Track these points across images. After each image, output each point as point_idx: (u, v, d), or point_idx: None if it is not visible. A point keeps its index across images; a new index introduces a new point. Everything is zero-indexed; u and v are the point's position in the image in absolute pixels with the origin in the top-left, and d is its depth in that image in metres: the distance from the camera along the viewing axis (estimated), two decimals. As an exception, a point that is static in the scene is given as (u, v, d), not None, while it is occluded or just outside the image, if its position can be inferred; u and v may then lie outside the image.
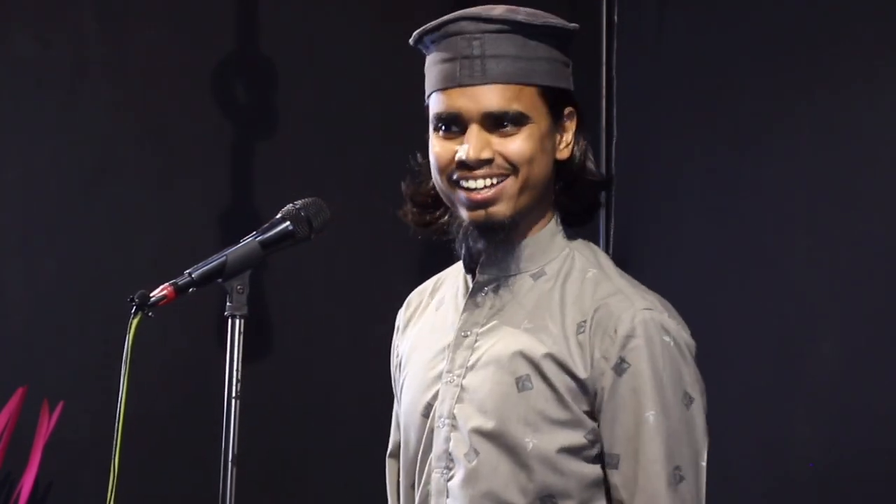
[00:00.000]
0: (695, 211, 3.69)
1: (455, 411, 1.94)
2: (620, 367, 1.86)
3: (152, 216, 3.60)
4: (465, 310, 1.98)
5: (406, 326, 2.13)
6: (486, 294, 1.97)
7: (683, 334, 1.90)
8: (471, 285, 1.99)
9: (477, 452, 1.91)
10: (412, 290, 2.20)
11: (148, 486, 3.47)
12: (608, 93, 3.93)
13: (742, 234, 3.51)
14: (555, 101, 1.93)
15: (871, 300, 3.18)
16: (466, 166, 1.89)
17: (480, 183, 1.89)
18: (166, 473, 3.56)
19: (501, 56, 1.89)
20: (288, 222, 1.89)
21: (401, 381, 2.08)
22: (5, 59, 3.51)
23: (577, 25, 1.96)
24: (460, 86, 1.89)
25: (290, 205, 1.91)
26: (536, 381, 1.89)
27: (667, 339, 1.88)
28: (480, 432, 1.91)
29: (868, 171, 3.22)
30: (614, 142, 3.91)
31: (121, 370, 1.76)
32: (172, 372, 3.56)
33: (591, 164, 1.99)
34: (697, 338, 1.95)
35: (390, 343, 2.21)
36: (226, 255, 1.85)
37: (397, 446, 2.11)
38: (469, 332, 1.97)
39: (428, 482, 1.97)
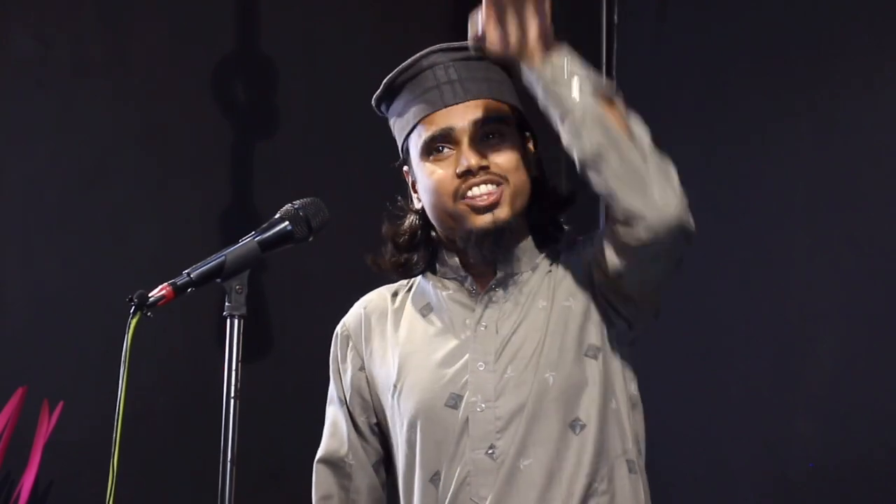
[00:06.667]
0: (694, 211, 3.68)
1: (491, 394, 2.05)
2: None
3: (152, 216, 3.60)
4: (483, 307, 2.12)
5: (368, 339, 2.22)
6: (497, 291, 2.12)
7: None
8: (471, 288, 2.14)
9: (519, 426, 2.03)
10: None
11: (148, 486, 3.47)
12: (608, 93, 3.92)
13: (742, 234, 3.50)
14: (519, 122, 2.12)
15: (871, 300, 3.18)
16: (470, 173, 2.04)
17: (484, 189, 2.06)
18: (166, 473, 3.56)
19: (475, 78, 2.08)
20: (287, 222, 1.89)
21: (397, 387, 2.13)
22: (5, 59, 3.50)
23: None
24: (446, 106, 2.07)
25: (289, 205, 1.91)
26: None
27: None
28: (518, 408, 2.04)
29: (868, 171, 3.22)
30: (614, 142, 3.91)
31: (120, 370, 1.76)
32: (172, 372, 3.55)
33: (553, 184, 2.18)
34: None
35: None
36: (224, 255, 1.85)
37: (331, 453, 2.20)
38: (488, 324, 2.10)
39: (466, 465, 2.05)
